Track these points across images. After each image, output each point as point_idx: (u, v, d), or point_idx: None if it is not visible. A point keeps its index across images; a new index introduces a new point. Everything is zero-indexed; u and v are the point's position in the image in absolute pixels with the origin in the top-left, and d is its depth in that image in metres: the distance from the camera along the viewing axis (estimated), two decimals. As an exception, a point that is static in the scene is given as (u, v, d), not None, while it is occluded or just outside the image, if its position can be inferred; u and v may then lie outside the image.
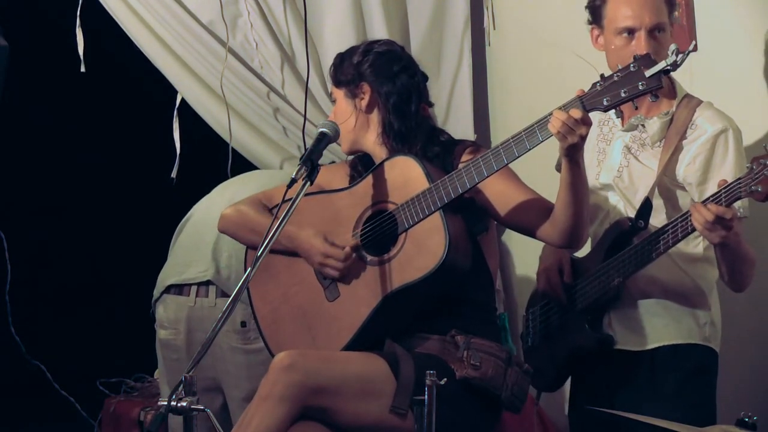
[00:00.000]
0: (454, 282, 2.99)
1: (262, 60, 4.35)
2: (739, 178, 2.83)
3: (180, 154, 4.46)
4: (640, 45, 3.03)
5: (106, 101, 5.40)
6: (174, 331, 3.79)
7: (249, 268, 2.75)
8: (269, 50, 4.34)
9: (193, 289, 3.77)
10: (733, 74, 3.53)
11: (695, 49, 2.84)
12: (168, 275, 3.84)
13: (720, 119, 3.10)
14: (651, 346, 3.17)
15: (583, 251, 3.27)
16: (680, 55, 2.73)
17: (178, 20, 4.30)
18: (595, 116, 3.26)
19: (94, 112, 5.46)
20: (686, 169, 3.11)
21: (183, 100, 4.45)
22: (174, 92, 4.46)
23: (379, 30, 4.32)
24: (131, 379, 4.50)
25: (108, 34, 4.40)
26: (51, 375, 4.75)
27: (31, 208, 5.48)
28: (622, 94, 2.76)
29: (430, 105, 3.22)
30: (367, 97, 3.16)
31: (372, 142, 3.18)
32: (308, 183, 2.90)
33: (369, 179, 3.12)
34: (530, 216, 3.02)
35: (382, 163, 3.11)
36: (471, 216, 3.04)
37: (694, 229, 2.92)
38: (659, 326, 3.17)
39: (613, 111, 2.83)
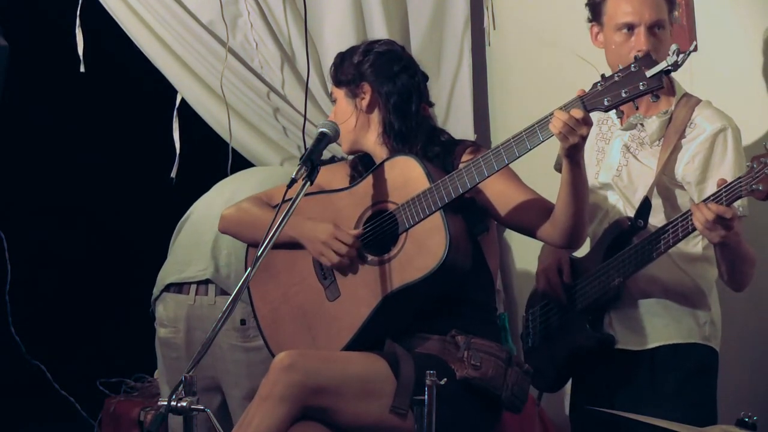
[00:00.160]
0: (455, 282, 2.99)
1: (262, 60, 4.36)
2: (740, 177, 2.83)
3: (180, 154, 4.47)
4: (640, 41, 3.03)
5: (106, 101, 5.40)
6: (173, 329, 3.79)
7: (249, 268, 2.75)
8: (269, 50, 4.34)
9: (193, 287, 3.78)
10: (733, 74, 3.53)
11: (696, 49, 2.84)
12: (167, 274, 3.84)
13: (719, 118, 3.10)
14: (651, 345, 3.17)
15: (583, 251, 3.27)
16: (681, 56, 2.73)
17: (178, 20, 4.30)
18: (593, 115, 3.27)
19: (94, 112, 5.46)
20: (685, 168, 3.11)
21: (183, 100, 4.45)
22: (174, 92, 4.46)
23: (379, 30, 4.32)
24: (131, 379, 4.50)
25: (108, 34, 4.40)
26: (51, 375, 4.75)
27: (31, 208, 5.47)
28: (623, 95, 2.76)
29: (431, 105, 3.22)
30: (367, 97, 3.16)
31: (372, 142, 3.18)
32: (308, 183, 2.90)
33: (369, 179, 3.12)
34: (530, 216, 3.02)
35: (382, 163, 3.11)
36: (471, 216, 3.04)
37: (694, 229, 2.92)
38: (659, 326, 3.17)
39: (614, 111, 2.83)
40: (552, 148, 3.01)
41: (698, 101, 3.16)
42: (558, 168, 3.15)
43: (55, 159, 5.52)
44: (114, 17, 4.36)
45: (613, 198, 3.24)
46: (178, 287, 3.80)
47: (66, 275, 5.53)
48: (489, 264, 3.12)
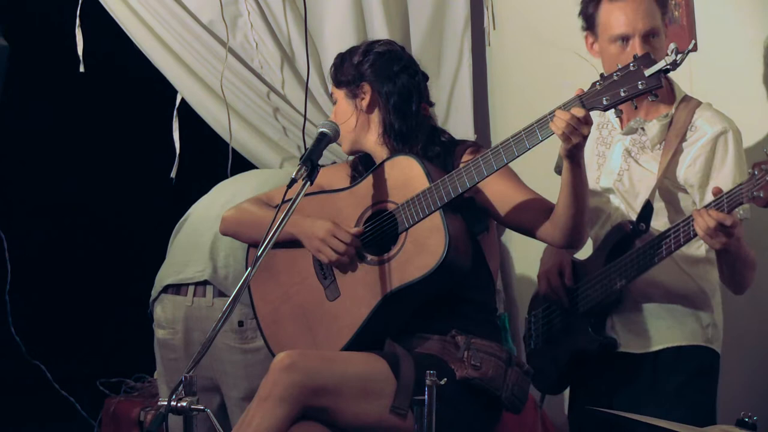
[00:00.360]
0: (454, 282, 2.99)
1: (262, 60, 4.36)
2: (741, 184, 2.83)
3: (180, 154, 4.47)
4: (635, 51, 3.01)
5: (106, 101, 5.40)
6: (172, 330, 3.79)
7: (249, 268, 2.75)
8: (269, 50, 4.34)
9: (191, 288, 3.78)
10: (733, 74, 3.53)
11: (695, 48, 2.84)
12: (166, 275, 3.84)
13: (720, 120, 3.10)
14: (654, 348, 3.17)
15: (585, 253, 3.27)
16: (679, 55, 2.72)
17: (178, 20, 4.30)
18: (594, 119, 3.27)
19: (94, 112, 5.46)
20: (687, 171, 3.11)
21: (183, 100, 4.45)
22: (174, 92, 4.46)
23: (379, 30, 4.32)
24: (131, 379, 4.50)
25: (108, 34, 4.39)
26: (51, 375, 4.75)
27: (31, 208, 5.48)
28: (622, 94, 2.76)
29: (431, 105, 3.22)
30: (367, 98, 3.16)
31: (373, 142, 3.18)
32: (308, 183, 2.90)
33: (370, 179, 3.12)
34: (530, 216, 3.02)
35: (382, 162, 3.11)
36: (471, 216, 3.04)
37: (695, 235, 2.92)
38: (663, 328, 3.17)
39: (612, 111, 2.82)
40: (553, 149, 3.01)
41: (698, 104, 3.15)
42: (558, 170, 3.14)
43: (55, 159, 5.52)
44: (114, 17, 4.36)
45: (615, 202, 3.24)
46: (176, 288, 3.80)
47: (66, 275, 5.53)
48: (489, 264, 3.12)
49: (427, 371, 2.59)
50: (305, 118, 4.31)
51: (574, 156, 2.85)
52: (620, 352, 3.18)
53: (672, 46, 2.74)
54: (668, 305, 3.16)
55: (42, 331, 5.05)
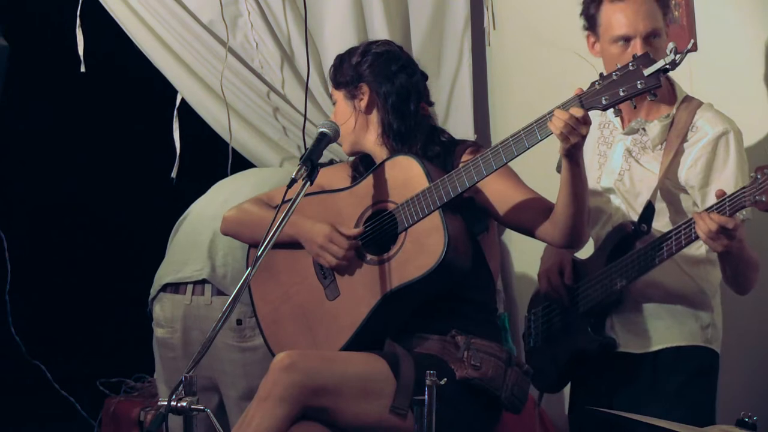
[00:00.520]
0: (454, 281, 2.99)
1: (262, 60, 4.36)
2: (744, 188, 2.83)
3: (180, 154, 4.47)
4: (636, 52, 3.00)
5: (106, 101, 5.40)
6: (170, 329, 3.79)
7: (249, 268, 2.75)
8: (269, 50, 4.34)
9: (189, 287, 3.78)
10: (733, 74, 3.52)
11: (695, 48, 2.83)
12: (164, 274, 3.85)
13: (721, 121, 3.09)
14: (654, 348, 3.17)
15: (585, 253, 3.27)
16: (678, 55, 2.72)
17: (179, 20, 4.30)
18: (595, 119, 3.27)
19: (94, 112, 5.46)
20: (688, 171, 3.10)
21: (183, 100, 4.45)
22: (174, 92, 4.46)
23: (380, 30, 4.31)
24: (131, 379, 4.50)
25: (108, 34, 4.39)
26: (51, 375, 4.75)
27: (31, 208, 5.48)
28: (621, 93, 2.76)
29: (430, 104, 3.22)
30: (365, 98, 3.16)
31: (372, 143, 3.18)
32: (308, 183, 2.90)
33: (370, 179, 3.12)
34: (530, 215, 3.02)
35: (382, 162, 3.11)
36: (471, 216, 3.04)
37: (697, 237, 2.92)
38: (662, 328, 3.17)
39: (612, 110, 2.82)
40: (553, 149, 3.00)
41: (699, 104, 3.15)
42: (559, 169, 3.14)
43: (55, 159, 5.52)
44: (114, 17, 4.36)
45: (616, 202, 3.23)
46: (174, 287, 3.80)
47: (66, 275, 5.53)
48: (489, 264, 3.12)
49: (427, 371, 2.59)
50: (305, 118, 4.31)
51: (572, 155, 2.84)
52: (620, 352, 3.18)
53: (671, 45, 2.73)
54: (668, 305, 3.16)
55: (42, 331, 5.06)
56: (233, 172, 4.29)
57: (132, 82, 5.06)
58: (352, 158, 3.32)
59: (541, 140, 2.85)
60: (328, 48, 4.34)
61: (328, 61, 4.35)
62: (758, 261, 3.05)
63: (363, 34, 4.34)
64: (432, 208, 2.96)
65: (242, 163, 4.41)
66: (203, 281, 3.76)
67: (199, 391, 3.07)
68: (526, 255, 3.99)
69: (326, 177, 3.24)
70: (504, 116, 4.45)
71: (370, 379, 2.89)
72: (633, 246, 3.11)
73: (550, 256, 3.35)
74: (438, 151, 3.12)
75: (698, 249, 3.15)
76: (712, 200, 2.91)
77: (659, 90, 2.86)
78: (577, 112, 2.78)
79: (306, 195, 2.96)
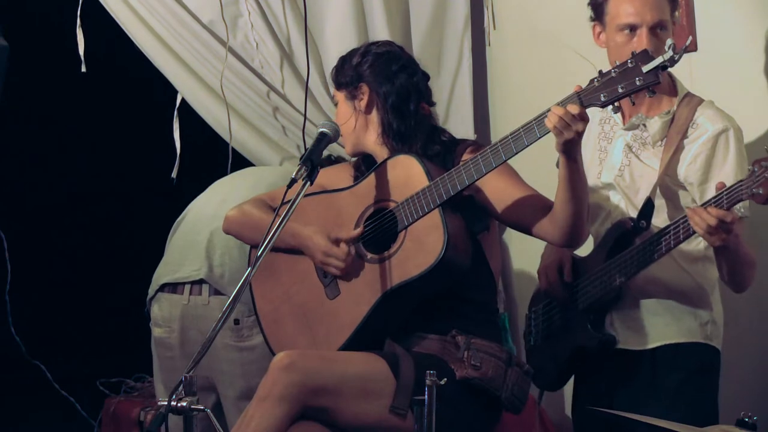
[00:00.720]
0: (453, 280, 2.99)
1: (263, 60, 4.36)
2: (741, 181, 2.83)
3: (180, 154, 4.46)
4: (642, 42, 3.02)
5: (107, 101, 5.40)
6: (168, 329, 3.79)
7: (249, 268, 2.75)
8: (269, 50, 4.34)
9: (187, 287, 3.78)
10: (733, 74, 3.53)
11: (694, 47, 2.84)
12: (162, 274, 3.85)
13: (721, 118, 3.10)
14: (652, 345, 3.17)
15: (585, 250, 3.27)
16: (677, 51, 2.72)
17: (179, 20, 4.30)
18: (596, 115, 3.27)
19: (94, 112, 5.46)
20: (687, 168, 3.11)
21: (183, 100, 4.45)
22: (174, 92, 4.46)
23: (380, 30, 4.31)
24: (131, 379, 4.50)
25: (108, 34, 4.40)
26: (51, 375, 4.75)
27: (31, 208, 5.48)
28: (620, 90, 2.76)
29: (432, 104, 3.22)
30: (365, 98, 3.16)
31: (373, 142, 3.19)
32: (308, 183, 2.90)
33: (370, 178, 3.13)
34: (530, 213, 3.02)
35: (383, 162, 3.11)
36: (471, 214, 3.04)
37: (694, 232, 2.92)
38: (660, 325, 3.17)
39: (611, 107, 2.83)
40: (554, 147, 3.00)
41: (700, 101, 3.15)
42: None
43: (55, 159, 5.52)
44: (114, 17, 4.36)
45: (616, 198, 3.24)
46: (172, 287, 3.80)
47: (66, 275, 5.54)
48: (490, 264, 3.12)
49: (427, 371, 2.59)
50: (305, 118, 4.31)
51: (569, 152, 2.84)
52: (619, 348, 3.18)
53: (669, 41, 2.74)
54: (666, 302, 3.16)
55: (42, 331, 5.05)
56: (233, 172, 4.29)
57: (132, 82, 5.06)
58: (354, 158, 3.32)
59: (539, 137, 2.86)
60: (329, 48, 4.34)
61: (329, 61, 4.37)
62: (755, 258, 3.05)
63: (363, 34, 4.33)
64: (432, 207, 2.96)
65: (242, 163, 4.41)
66: (201, 281, 3.76)
67: (197, 390, 3.08)
68: (525, 255, 3.99)
69: (328, 177, 3.24)
70: (504, 116, 4.45)
71: (370, 379, 2.89)
72: (632, 242, 3.11)
73: (550, 254, 3.35)
74: (438, 150, 3.12)
75: (697, 246, 3.15)
76: (710, 197, 2.91)
77: (660, 86, 2.86)
78: (574, 108, 2.78)
79: (307, 195, 2.96)
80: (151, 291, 3.87)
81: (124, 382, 4.49)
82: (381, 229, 3.07)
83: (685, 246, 3.08)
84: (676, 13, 3.18)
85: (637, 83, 2.74)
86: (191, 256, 3.79)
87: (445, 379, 2.60)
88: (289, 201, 2.89)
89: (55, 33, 4.59)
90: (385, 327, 3.04)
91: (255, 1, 4.31)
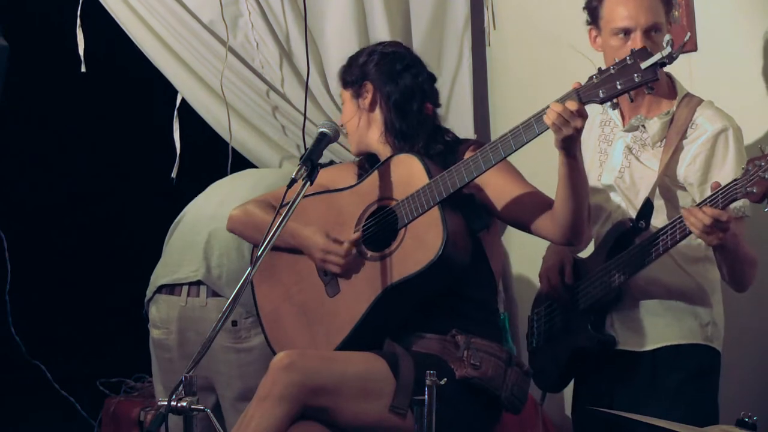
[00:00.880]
0: (453, 277, 2.99)
1: (263, 59, 4.35)
2: (735, 180, 2.83)
3: (180, 154, 4.46)
4: (636, 45, 3.01)
5: (107, 101, 5.40)
6: (166, 330, 3.79)
7: (249, 268, 2.76)
8: (270, 50, 4.34)
9: (185, 288, 3.78)
10: (733, 74, 3.53)
11: (694, 46, 2.84)
12: (160, 275, 3.85)
13: (720, 118, 3.10)
14: (653, 346, 3.17)
15: (587, 252, 3.27)
16: (675, 47, 2.72)
17: (179, 20, 4.30)
18: (596, 117, 3.28)
19: (94, 112, 5.46)
20: (687, 169, 3.11)
21: (183, 100, 4.45)
22: (174, 92, 4.45)
23: (380, 30, 4.32)
24: (131, 379, 4.50)
25: (108, 34, 4.39)
26: (51, 375, 4.75)
27: (31, 208, 5.48)
28: (618, 86, 2.76)
29: (437, 105, 3.23)
30: (369, 96, 3.18)
31: (376, 141, 3.20)
32: (308, 183, 2.91)
33: (372, 177, 3.14)
34: (531, 212, 3.02)
35: (384, 161, 3.13)
36: (471, 212, 3.05)
37: (691, 232, 2.92)
38: (661, 326, 3.17)
39: (611, 105, 2.83)
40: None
41: (700, 101, 3.15)
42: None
43: (55, 159, 5.52)
44: (114, 17, 4.36)
45: (616, 199, 3.24)
46: (170, 288, 3.80)
47: (66, 275, 5.53)
48: (491, 263, 3.12)
49: (427, 371, 2.59)
50: (305, 117, 4.31)
51: (568, 148, 2.85)
52: (619, 350, 3.18)
53: (667, 37, 2.75)
54: (667, 303, 3.16)
55: (42, 331, 5.05)
56: (233, 172, 4.29)
57: (132, 82, 5.06)
58: (359, 158, 3.33)
59: (538, 134, 2.86)
60: (329, 47, 4.35)
61: (329, 61, 4.37)
62: (756, 258, 3.05)
63: (363, 34, 4.34)
64: (431, 204, 2.97)
65: (242, 163, 4.40)
66: (198, 282, 3.76)
67: (197, 390, 3.08)
68: (525, 255, 3.99)
69: (332, 176, 3.26)
70: (504, 116, 4.45)
71: (370, 379, 2.90)
72: (632, 243, 3.11)
73: (551, 256, 3.35)
74: (441, 149, 3.13)
75: (697, 246, 3.15)
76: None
77: (659, 87, 2.86)
78: (572, 105, 2.79)
79: (309, 195, 2.97)
80: (149, 292, 3.87)
81: (124, 382, 4.49)
82: (382, 228, 3.07)
83: (685, 247, 3.08)
84: (676, 13, 3.18)
85: (636, 80, 2.74)
86: (189, 257, 3.79)
87: (445, 379, 2.60)
88: (289, 201, 2.90)
89: (55, 33, 4.59)
90: (385, 324, 3.05)
91: (255, 0, 4.31)
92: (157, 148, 4.64)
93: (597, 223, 3.27)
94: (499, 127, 4.45)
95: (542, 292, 3.37)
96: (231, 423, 3.47)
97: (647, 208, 3.12)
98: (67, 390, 4.79)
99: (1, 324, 4.64)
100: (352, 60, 3.25)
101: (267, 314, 3.26)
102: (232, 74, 4.34)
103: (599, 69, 2.82)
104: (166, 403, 2.51)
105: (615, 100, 2.80)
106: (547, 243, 3.32)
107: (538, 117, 2.85)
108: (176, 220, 3.98)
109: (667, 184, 3.14)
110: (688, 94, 3.18)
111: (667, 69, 3.14)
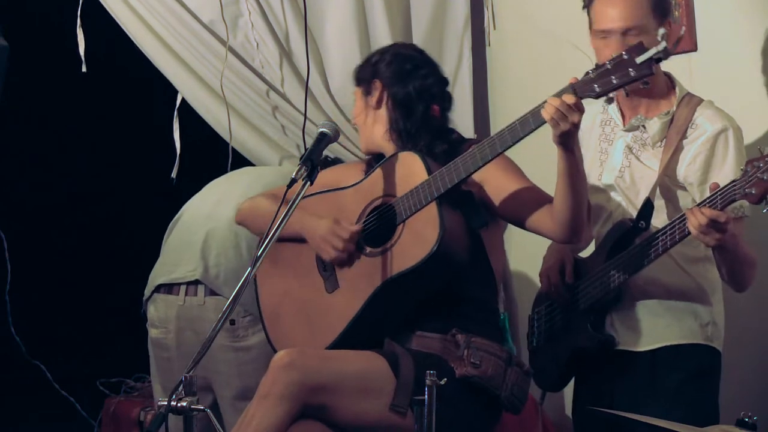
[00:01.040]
0: (452, 272, 3.00)
1: (263, 59, 4.36)
2: (734, 181, 2.84)
3: (180, 154, 4.47)
4: (611, 47, 3.01)
5: (107, 101, 5.40)
6: (164, 330, 3.80)
7: (249, 267, 2.76)
8: (270, 49, 4.34)
9: (182, 288, 3.78)
10: (733, 74, 3.53)
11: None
12: (158, 275, 3.85)
13: (720, 118, 3.10)
14: (653, 346, 3.17)
15: (587, 252, 3.27)
16: (670, 42, 2.73)
17: (179, 20, 4.30)
18: (597, 116, 3.28)
19: (94, 112, 5.46)
20: (687, 168, 3.11)
21: (183, 100, 4.45)
22: (174, 92, 4.46)
23: (381, 30, 4.32)
24: (131, 379, 4.50)
25: (108, 34, 4.40)
26: (51, 375, 4.75)
27: (31, 208, 5.48)
28: (613, 81, 2.77)
29: (445, 109, 3.23)
30: (376, 93, 3.20)
31: (380, 137, 3.21)
32: (308, 183, 2.91)
33: (373, 175, 3.15)
34: (531, 209, 3.03)
35: (385, 159, 3.14)
36: (470, 209, 3.05)
37: (690, 233, 2.92)
38: (661, 326, 3.17)
39: (606, 100, 2.84)
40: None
41: (700, 101, 3.15)
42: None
43: (55, 159, 5.52)
44: (114, 17, 4.36)
45: (617, 199, 3.24)
46: (168, 288, 3.80)
47: (66, 275, 5.53)
48: (492, 263, 3.12)
49: (428, 371, 2.59)
50: (305, 117, 4.31)
51: (566, 143, 2.85)
52: (619, 350, 3.18)
53: (661, 31, 2.76)
54: (667, 303, 3.16)
55: (42, 331, 5.05)
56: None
57: (132, 82, 5.06)
58: (368, 157, 3.35)
59: (534, 128, 2.87)
60: (329, 47, 4.35)
61: (329, 60, 4.37)
62: (755, 258, 3.05)
63: (364, 34, 4.34)
64: (429, 199, 2.98)
65: (242, 163, 4.41)
66: (196, 282, 3.76)
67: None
68: (525, 255, 3.98)
69: (337, 175, 3.29)
70: (504, 116, 4.45)
71: (370, 378, 2.90)
72: (632, 243, 3.11)
73: (551, 255, 3.36)
74: (445, 148, 3.14)
75: (697, 246, 3.15)
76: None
77: (657, 87, 2.85)
78: (569, 98, 2.79)
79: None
80: (147, 292, 3.87)
81: (124, 382, 4.49)
82: (381, 224, 3.08)
83: (685, 247, 3.08)
84: (676, 13, 3.18)
85: (631, 74, 2.75)
86: (187, 256, 3.79)
87: (445, 379, 2.60)
88: (290, 201, 2.90)
89: (55, 33, 4.60)
90: (383, 320, 3.05)
91: (255, 0, 4.31)
92: (157, 148, 4.64)
93: (597, 223, 3.27)
94: (499, 127, 4.41)
95: (542, 291, 3.37)
96: (229, 422, 3.47)
97: (647, 208, 3.12)
98: (67, 390, 4.79)
99: (1, 324, 4.64)
100: (367, 59, 3.29)
101: (268, 311, 3.27)
102: (232, 74, 4.34)
103: (596, 65, 2.83)
104: (166, 403, 2.51)
105: (611, 95, 2.81)
106: (547, 243, 3.32)
107: (535, 112, 2.86)
108: (174, 220, 3.98)
109: (668, 183, 3.14)
110: (688, 94, 3.18)
111: (667, 69, 3.16)
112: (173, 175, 4.47)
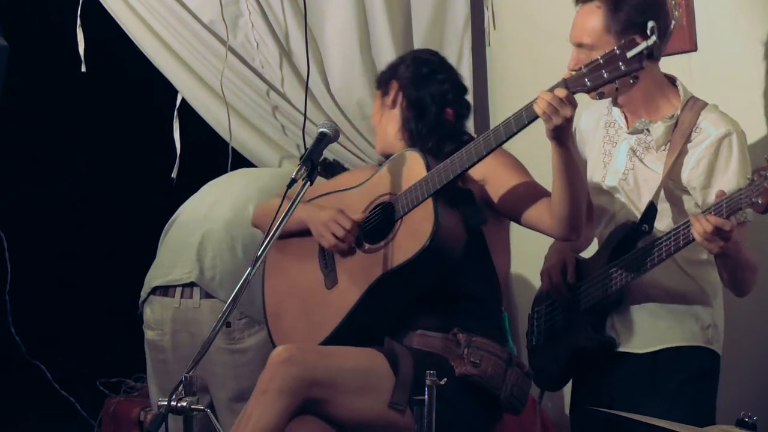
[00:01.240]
0: (445, 268, 3.00)
1: (263, 59, 4.36)
2: (741, 190, 2.83)
3: (180, 154, 4.47)
4: (572, 57, 3.10)
5: (107, 101, 5.40)
6: (160, 332, 3.79)
7: (249, 268, 2.76)
8: (270, 49, 4.34)
9: (178, 290, 3.77)
10: (733, 74, 3.52)
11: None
12: (154, 277, 3.84)
13: (724, 122, 3.09)
14: (653, 348, 3.17)
15: (589, 253, 3.27)
16: (656, 38, 2.76)
17: (179, 20, 4.30)
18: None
19: (94, 112, 5.46)
20: (690, 172, 3.10)
21: (183, 100, 4.45)
22: (174, 92, 4.46)
23: (381, 30, 4.32)
24: (131, 379, 4.50)
25: (108, 34, 4.40)
26: (51, 375, 4.75)
27: (31, 208, 5.48)
28: (604, 75, 2.79)
29: (460, 114, 3.24)
30: (392, 94, 3.23)
31: (393, 137, 3.24)
32: (308, 183, 2.92)
33: (377, 175, 3.18)
34: (530, 205, 3.04)
35: (391, 158, 3.17)
36: (468, 208, 3.05)
37: (694, 239, 2.92)
38: (662, 329, 3.16)
39: (597, 95, 2.85)
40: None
41: (704, 105, 3.14)
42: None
43: (55, 159, 5.52)
44: (114, 17, 4.36)
45: (620, 201, 3.24)
46: (163, 290, 3.80)
47: (66, 275, 5.53)
48: (495, 262, 3.12)
49: (428, 371, 2.59)
50: (305, 117, 4.31)
51: (559, 138, 2.86)
52: (619, 351, 3.18)
53: (650, 24, 2.77)
54: (668, 306, 3.16)
55: (42, 331, 5.05)
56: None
57: (132, 82, 5.06)
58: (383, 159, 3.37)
59: (527, 123, 2.89)
60: (329, 47, 4.35)
61: (329, 60, 4.37)
62: (757, 263, 3.05)
63: (364, 34, 4.34)
64: (425, 196, 2.99)
65: (242, 163, 4.41)
66: (192, 284, 3.76)
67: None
68: (525, 255, 3.98)
69: (348, 180, 3.31)
70: (504, 115, 4.41)
71: (369, 374, 2.90)
72: (634, 246, 3.11)
73: (553, 255, 3.35)
74: (453, 148, 3.14)
75: (699, 250, 3.14)
76: (713, 201, 2.91)
77: (661, 90, 2.84)
78: (561, 92, 2.82)
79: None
80: (143, 293, 3.86)
81: (124, 382, 4.49)
82: (381, 222, 3.10)
83: (687, 250, 3.07)
84: (676, 13, 3.18)
85: (622, 68, 2.77)
86: (183, 258, 3.79)
87: (445, 379, 2.60)
88: (290, 201, 2.91)
89: (55, 33, 4.60)
90: (380, 315, 3.06)
91: (255, 0, 4.31)
92: (157, 148, 4.64)
93: (600, 225, 3.27)
94: (499, 127, 4.44)
95: (543, 290, 3.37)
96: (225, 423, 3.47)
97: (651, 211, 3.12)
98: (67, 390, 4.79)
99: (1, 324, 4.64)
100: (390, 64, 3.34)
101: (270, 307, 3.29)
102: (232, 74, 4.35)
103: (590, 60, 2.85)
104: (166, 403, 2.51)
105: (602, 90, 2.83)
106: (549, 242, 3.32)
107: (528, 107, 2.88)
108: (170, 221, 3.98)
109: (671, 187, 3.13)
110: (692, 98, 3.17)
111: (667, 69, 3.16)
112: (173, 175, 4.47)
